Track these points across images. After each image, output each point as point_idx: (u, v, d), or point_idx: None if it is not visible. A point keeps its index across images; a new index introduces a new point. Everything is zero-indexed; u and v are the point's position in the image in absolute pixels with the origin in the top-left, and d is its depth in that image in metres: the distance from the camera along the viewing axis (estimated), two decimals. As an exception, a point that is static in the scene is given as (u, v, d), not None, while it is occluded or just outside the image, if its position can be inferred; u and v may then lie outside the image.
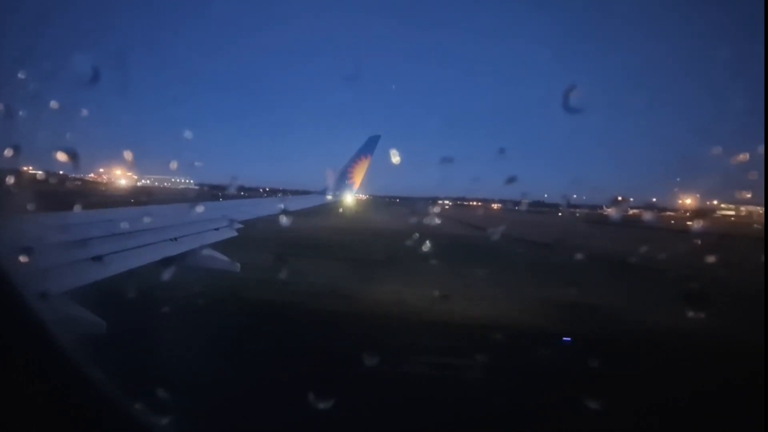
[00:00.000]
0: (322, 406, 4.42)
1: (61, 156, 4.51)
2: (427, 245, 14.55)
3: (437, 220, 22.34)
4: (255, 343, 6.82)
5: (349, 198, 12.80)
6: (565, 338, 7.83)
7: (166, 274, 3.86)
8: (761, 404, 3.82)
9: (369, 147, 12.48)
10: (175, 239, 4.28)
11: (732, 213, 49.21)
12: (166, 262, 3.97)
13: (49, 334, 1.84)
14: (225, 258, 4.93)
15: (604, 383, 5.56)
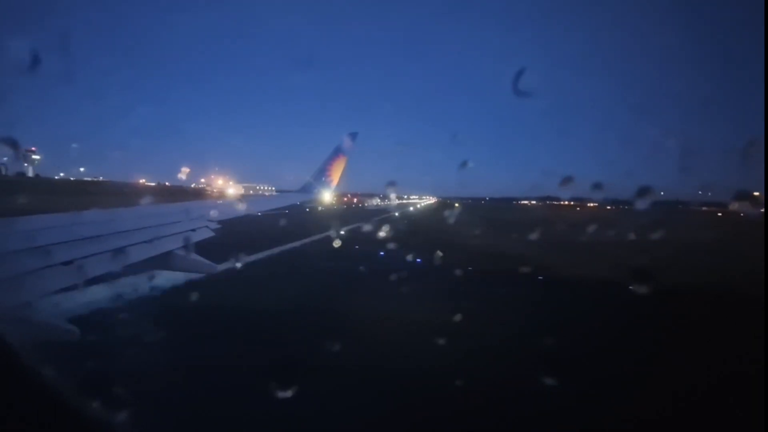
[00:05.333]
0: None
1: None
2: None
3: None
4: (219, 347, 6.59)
5: (328, 196, 12.80)
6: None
7: (141, 277, 3.79)
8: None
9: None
10: (150, 241, 4.19)
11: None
12: (142, 264, 3.88)
13: (15, 342, 1.79)
14: (202, 259, 4.85)
15: None
